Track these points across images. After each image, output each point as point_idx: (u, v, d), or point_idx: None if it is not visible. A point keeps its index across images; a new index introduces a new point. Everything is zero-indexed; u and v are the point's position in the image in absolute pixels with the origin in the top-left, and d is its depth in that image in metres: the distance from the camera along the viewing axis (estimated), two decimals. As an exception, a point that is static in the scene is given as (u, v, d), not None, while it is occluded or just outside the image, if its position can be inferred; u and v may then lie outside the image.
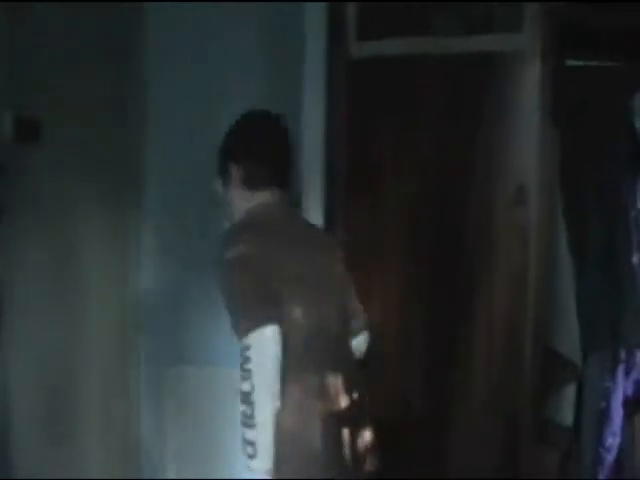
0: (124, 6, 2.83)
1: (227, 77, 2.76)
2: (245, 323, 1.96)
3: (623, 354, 2.96)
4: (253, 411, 1.91)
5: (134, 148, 2.92)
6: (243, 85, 2.80)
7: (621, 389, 2.98)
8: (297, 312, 2.05)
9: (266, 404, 1.92)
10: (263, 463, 1.93)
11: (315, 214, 2.76)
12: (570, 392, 2.92)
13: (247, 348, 1.93)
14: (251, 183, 2.24)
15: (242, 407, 1.93)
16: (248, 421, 1.91)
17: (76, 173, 2.65)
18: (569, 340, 2.87)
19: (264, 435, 1.92)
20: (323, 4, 2.77)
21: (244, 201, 2.25)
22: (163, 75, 2.91)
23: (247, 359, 1.92)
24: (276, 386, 1.95)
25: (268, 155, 2.27)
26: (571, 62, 3.06)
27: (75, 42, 2.62)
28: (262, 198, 2.24)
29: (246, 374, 1.92)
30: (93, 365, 2.75)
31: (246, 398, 1.92)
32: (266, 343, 1.94)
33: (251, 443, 1.92)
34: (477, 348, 2.70)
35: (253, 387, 1.91)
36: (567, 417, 2.92)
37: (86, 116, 2.67)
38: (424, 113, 2.74)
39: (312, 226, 2.46)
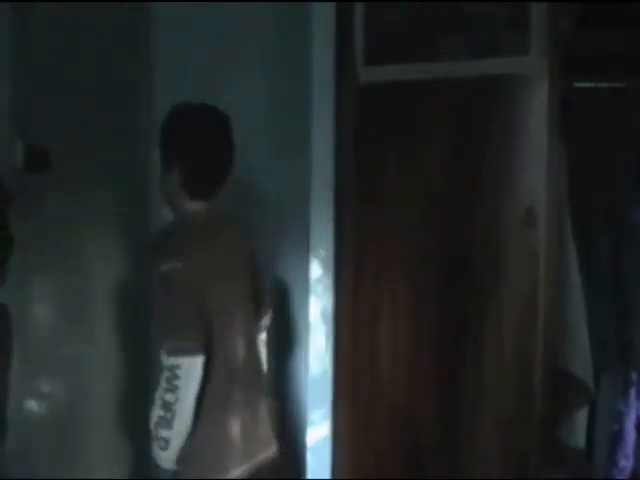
0: (129, 35, 2.85)
1: (232, 104, 2.78)
2: (178, 344, 2.11)
3: (635, 376, 2.96)
4: (173, 417, 2.12)
5: (140, 171, 2.93)
6: (250, 109, 2.81)
7: (634, 411, 2.97)
8: (219, 340, 2.20)
9: (186, 414, 2.13)
10: (172, 455, 2.17)
11: (325, 235, 2.77)
12: (582, 414, 2.91)
13: (177, 367, 2.11)
14: (191, 192, 2.24)
15: (161, 412, 2.13)
16: (166, 423, 2.13)
17: (84, 198, 2.67)
18: (581, 361, 2.86)
19: (178, 437, 2.15)
20: (331, 29, 2.79)
21: (181, 200, 2.25)
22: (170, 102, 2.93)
23: (176, 376, 2.11)
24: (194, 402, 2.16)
25: (212, 167, 2.26)
26: (579, 84, 3.07)
27: (81, 71, 2.64)
28: (199, 206, 2.25)
29: (173, 388, 2.11)
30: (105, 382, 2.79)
31: (168, 406, 2.12)
32: (195, 369, 2.12)
33: (165, 440, 2.15)
34: (487, 370, 2.69)
35: (177, 399, 2.11)
36: (580, 439, 2.91)
37: (93, 141, 2.70)
38: (432, 136, 2.75)
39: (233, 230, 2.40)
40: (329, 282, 2.80)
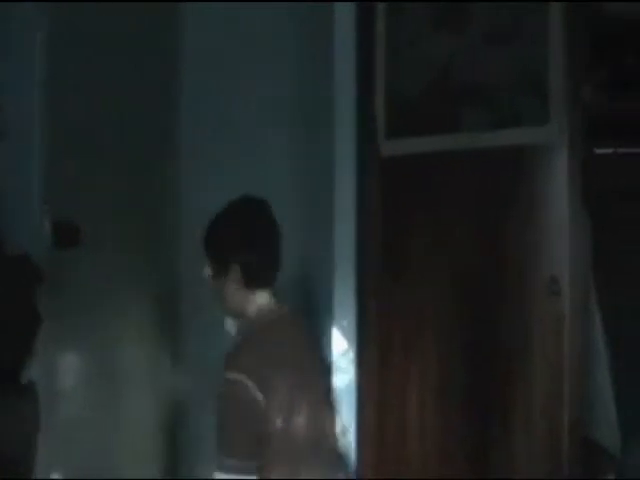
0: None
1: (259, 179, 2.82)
2: (229, 461, 2.11)
3: (662, 443, 2.93)
4: None
5: (169, 246, 2.97)
6: (275, 174, 2.86)
7: (661, 478, 2.93)
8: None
9: None
10: None
11: (348, 310, 2.78)
12: (610, 484, 2.89)
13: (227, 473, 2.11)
14: (253, 284, 2.25)
15: None
16: None
17: (114, 274, 2.71)
18: (608, 431, 2.84)
19: None
20: (353, 101, 2.83)
21: (243, 301, 2.28)
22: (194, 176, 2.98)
23: None
24: None
25: (269, 253, 2.29)
26: (600, 150, 3.08)
27: (112, 149, 2.70)
28: (262, 299, 2.26)
29: None
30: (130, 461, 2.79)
31: None
32: None
33: None
34: (516, 441, 2.68)
35: None
36: (608, 509, 2.88)
37: (122, 215, 2.74)
38: (455, 207, 2.77)
39: (303, 333, 2.45)
40: (353, 356, 2.81)
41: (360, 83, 2.85)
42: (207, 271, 2.30)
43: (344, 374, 2.77)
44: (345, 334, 2.78)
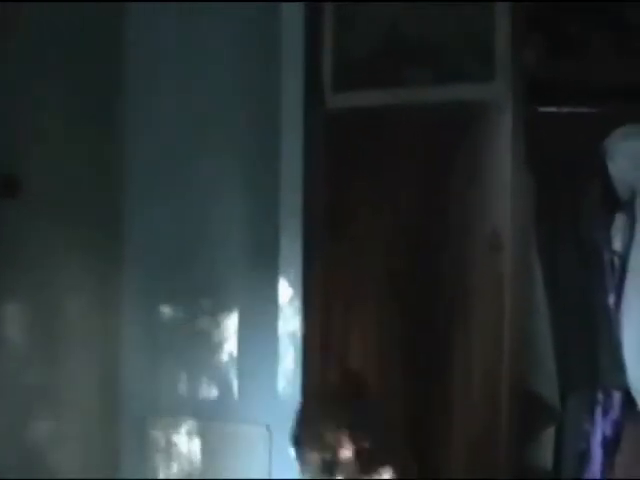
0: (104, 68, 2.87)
1: (203, 131, 2.81)
2: None
3: (600, 396, 2.99)
4: None
5: (115, 201, 2.95)
6: (221, 132, 2.85)
7: (600, 430, 3.00)
8: None
9: None
10: None
11: (293, 261, 2.80)
12: (550, 435, 2.94)
13: None
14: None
15: None
16: None
17: (56, 226, 2.68)
18: (547, 383, 2.89)
19: None
20: (300, 58, 2.83)
21: None
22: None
23: None
24: None
25: None
26: (544, 109, 3.11)
27: (56, 103, 2.66)
28: None
29: None
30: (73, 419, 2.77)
31: None
32: None
33: None
34: (455, 395, 2.72)
35: None
36: (547, 460, 2.94)
37: (66, 169, 2.71)
38: (399, 162, 2.79)
39: None
40: (299, 304, 2.83)
41: (308, 38, 2.85)
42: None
43: (290, 321, 2.79)
44: (291, 284, 2.80)
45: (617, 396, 3.01)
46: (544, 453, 2.93)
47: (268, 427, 2.83)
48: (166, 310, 2.91)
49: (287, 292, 2.79)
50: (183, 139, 2.93)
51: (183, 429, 2.87)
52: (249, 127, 2.84)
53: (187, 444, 2.88)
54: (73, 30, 2.75)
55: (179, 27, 2.94)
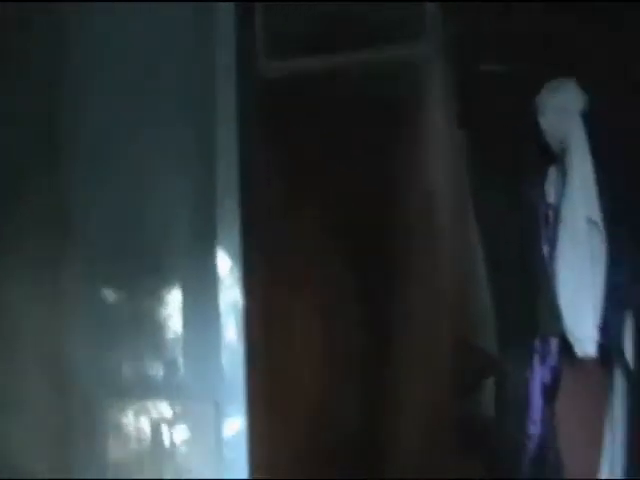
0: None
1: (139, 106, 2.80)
2: None
3: (538, 344, 3.09)
4: None
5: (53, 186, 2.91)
6: (157, 106, 2.86)
7: (538, 378, 3.09)
8: None
9: None
10: None
11: (231, 218, 2.80)
12: (490, 385, 3.03)
13: None
14: None
15: None
16: None
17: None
18: (486, 335, 2.98)
19: None
20: (232, 27, 2.83)
21: None
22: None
23: None
24: None
25: None
26: (475, 66, 3.17)
27: None
28: None
29: None
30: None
31: None
32: None
33: None
34: (397, 349, 2.78)
35: None
36: (488, 409, 3.02)
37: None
38: (335, 127, 2.81)
39: None
40: (239, 274, 2.84)
41: (240, 7, 2.85)
42: None
43: (229, 291, 2.81)
44: (230, 256, 2.81)
45: (554, 343, 3.12)
46: (486, 402, 3.02)
47: (216, 403, 2.85)
48: (109, 292, 2.92)
49: (226, 263, 2.79)
50: (119, 117, 2.91)
51: (131, 410, 2.89)
52: (184, 98, 2.84)
53: (135, 425, 2.89)
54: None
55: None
